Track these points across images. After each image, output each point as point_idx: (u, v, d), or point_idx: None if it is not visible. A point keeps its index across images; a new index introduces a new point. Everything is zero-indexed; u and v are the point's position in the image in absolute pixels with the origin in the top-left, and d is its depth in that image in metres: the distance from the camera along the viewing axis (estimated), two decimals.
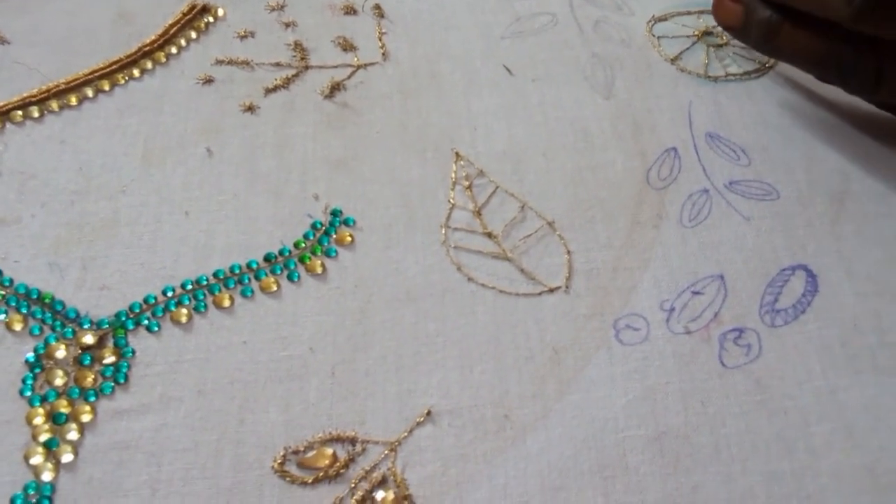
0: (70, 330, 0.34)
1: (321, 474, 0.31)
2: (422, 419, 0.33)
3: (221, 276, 0.36)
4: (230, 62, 0.45)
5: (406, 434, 0.32)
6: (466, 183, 0.40)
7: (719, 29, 0.47)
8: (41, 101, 0.43)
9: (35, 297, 0.35)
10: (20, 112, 0.42)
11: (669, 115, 0.43)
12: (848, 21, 0.36)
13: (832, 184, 0.40)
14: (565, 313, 0.36)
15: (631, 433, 0.33)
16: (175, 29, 0.47)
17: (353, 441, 0.32)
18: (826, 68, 0.40)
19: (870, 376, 0.34)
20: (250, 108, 0.43)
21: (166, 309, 0.35)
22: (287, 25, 0.48)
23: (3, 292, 0.35)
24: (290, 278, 0.37)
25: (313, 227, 0.38)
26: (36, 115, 0.42)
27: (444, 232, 0.38)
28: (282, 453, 0.32)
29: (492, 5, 0.49)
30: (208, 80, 0.44)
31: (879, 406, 0.34)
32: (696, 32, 0.47)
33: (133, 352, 0.34)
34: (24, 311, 0.35)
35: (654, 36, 0.47)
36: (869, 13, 0.35)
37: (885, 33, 0.36)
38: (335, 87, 0.44)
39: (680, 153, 0.41)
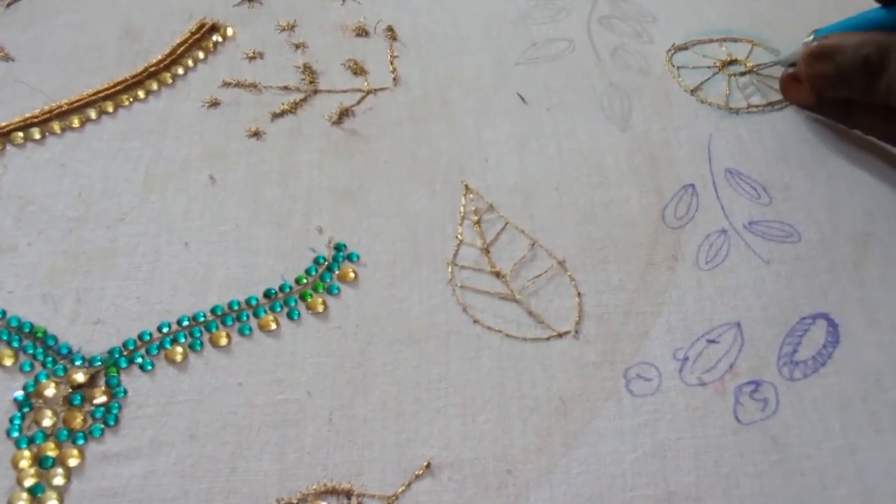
0: (61, 367, 0.33)
1: None
2: (421, 472, 0.31)
3: (219, 313, 0.35)
4: (237, 84, 0.44)
5: (404, 488, 0.31)
6: (475, 218, 0.39)
7: (742, 57, 0.46)
8: (43, 122, 0.42)
9: (27, 330, 0.34)
10: (21, 133, 0.41)
11: (688, 149, 0.42)
12: None
13: (856, 225, 0.39)
14: (574, 360, 0.34)
15: (639, 493, 0.31)
16: (183, 48, 0.46)
17: (348, 494, 0.31)
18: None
19: (892, 436, 0.33)
20: (256, 134, 0.42)
21: (161, 346, 0.34)
22: (297, 47, 0.47)
23: None
24: (289, 316, 0.35)
25: (316, 261, 0.37)
26: (37, 136, 0.41)
27: (450, 270, 0.37)
28: None
29: (507, 29, 0.48)
30: (214, 103, 0.43)
31: None
32: (718, 63, 0.46)
33: (125, 392, 0.33)
34: (15, 344, 0.34)
35: (673, 66, 0.46)
36: None
37: None
38: (344, 113, 0.43)
39: (698, 190, 0.40)
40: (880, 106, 0.39)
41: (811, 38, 0.41)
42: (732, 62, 0.46)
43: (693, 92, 0.44)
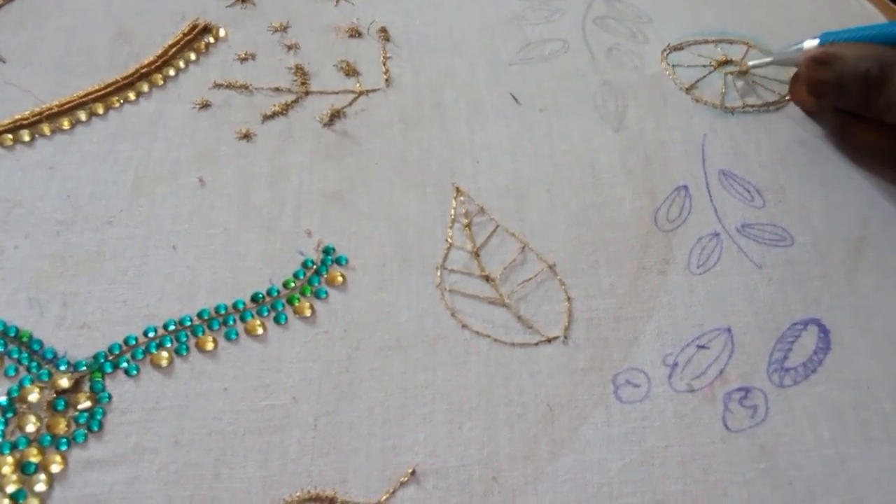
0: (46, 372, 0.33)
1: None
2: (406, 479, 0.31)
3: (206, 317, 0.35)
4: (229, 86, 0.44)
5: (388, 495, 0.31)
6: (466, 221, 0.38)
7: (738, 57, 0.45)
8: (33, 124, 0.42)
9: (13, 334, 0.34)
10: (10, 135, 0.41)
11: (682, 149, 0.41)
12: None
13: (850, 229, 0.38)
14: (562, 366, 0.34)
15: (626, 501, 0.31)
16: (174, 50, 0.45)
17: (332, 501, 0.31)
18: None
19: (882, 446, 0.32)
20: (246, 136, 0.42)
21: (147, 351, 0.34)
22: (289, 48, 0.46)
23: None
24: (276, 321, 0.35)
25: (304, 265, 0.37)
26: (27, 138, 0.41)
27: (439, 274, 0.37)
28: None
29: (501, 30, 0.47)
30: (205, 105, 0.43)
31: (892, 479, 0.31)
32: (713, 62, 0.45)
33: (109, 397, 0.33)
34: (0, 349, 0.34)
35: (668, 64, 0.45)
36: None
37: None
38: (335, 115, 0.43)
39: (691, 192, 0.40)
40: (878, 122, 0.38)
41: (817, 41, 0.41)
42: (728, 62, 0.46)
43: (688, 90, 0.44)
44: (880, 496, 0.31)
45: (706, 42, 0.47)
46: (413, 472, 0.31)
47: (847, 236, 0.38)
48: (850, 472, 0.32)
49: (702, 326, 0.35)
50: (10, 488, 0.30)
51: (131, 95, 0.43)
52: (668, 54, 0.46)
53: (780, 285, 0.37)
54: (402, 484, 0.31)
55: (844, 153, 0.41)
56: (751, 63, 0.45)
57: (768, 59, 0.44)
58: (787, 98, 0.44)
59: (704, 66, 0.45)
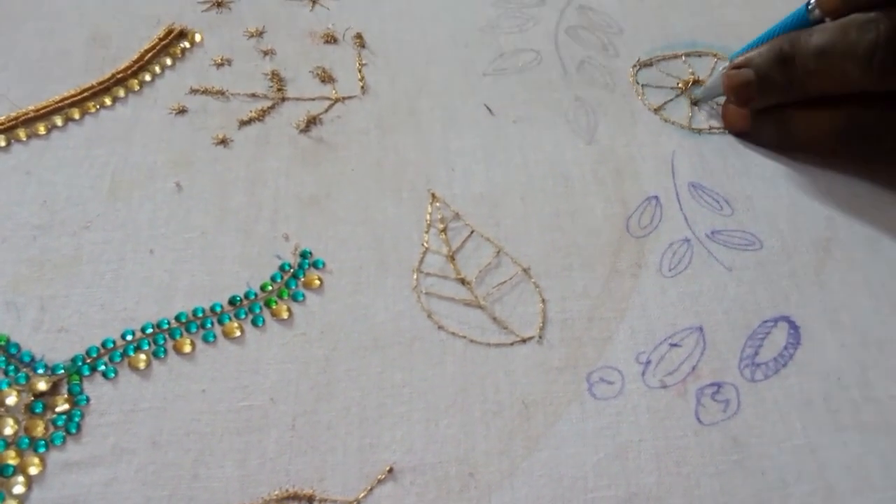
0: (24, 375, 0.33)
1: None
2: (383, 476, 0.31)
3: (183, 320, 0.35)
4: (205, 91, 0.44)
5: (366, 493, 0.31)
6: (441, 226, 0.39)
7: (704, 76, 0.47)
8: (8, 129, 0.42)
9: None
10: None
11: (652, 164, 0.42)
12: (875, 83, 0.36)
13: (817, 230, 0.39)
14: (537, 365, 0.35)
15: (601, 494, 0.31)
16: (150, 55, 0.46)
17: (310, 499, 0.31)
18: (849, 141, 0.40)
19: (853, 434, 0.33)
20: (223, 141, 0.42)
21: (124, 354, 0.34)
22: (265, 53, 0.47)
23: None
24: (254, 323, 0.35)
25: (281, 268, 0.37)
26: (2, 144, 0.41)
27: (415, 277, 0.37)
28: None
29: (475, 39, 0.48)
30: (181, 111, 0.43)
31: (862, 466, 0.32)
32: (681, 83, 0.46)
33: (87, 399, 0.33)
34: None
35: (638, 83, 0.46)
36: (892, 68, 0.36)
37: None
38: (311, 121, 0.43)
39: (662, 201, 0.40)
40: (806, 100, 0.40)
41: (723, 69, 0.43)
42: (696, 82, 0.46)
43: (657, 111, 0.45)
44: (850, 482, 0.32)
45: (675, 57, 0.48)
46: (391, 470, 0.32)
47: (814, 237, 0.39)
48: (821, 460, 0.32)
49: (674, 326, 0.36)
50: None
51: (107, 101, 0.44)
52: (637, 71, 0.47)
53: (750, 286, 0.37)
54: (380, 481, 0.31)
55: (810, 160, 0.42)
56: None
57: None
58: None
59: (672, 87, 0.46)
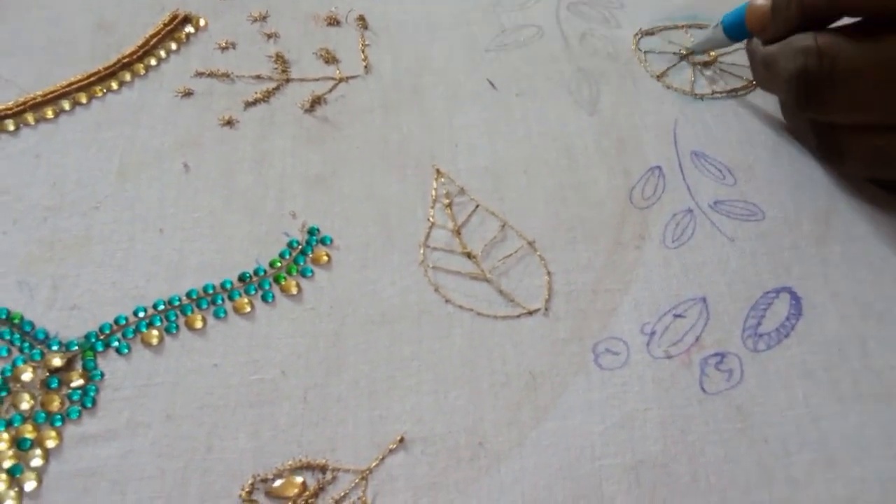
0: (38, 352, 0.34)
1: (290, 503, 0.31)
2: (394, 446, 0.32)
3: (194, 297, 0.36)
4: (210, 74, 0.45)
5: (377, 462, 0.32)
6: (447, 201, 0.39)
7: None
8: (17, 113, 0.42)
9: (4, 317, 0.35)
10: None
11: (655, 133, 0.42)
12: (794, 110, 0.38)
13: (819, 202, 0.40)
14: (544, 337, 0.35)
15: (608, 462, 0.32)
16: (155, 40, 0.46)
17: (323, 469, 0.31)
18: (805, 141, 0.42)
19: (853, 403, 0.34)
20: (229, 122, 0.42)
21: (137, 330, 0.35)
22: (269, 36, 0.47)
23: None
24: (264, 299, 0.36)
25: (289, 245, 0.38)
26: (11, 128, 0.42)
27: (422, 251, 0.38)
28: (250, 482, 0.31)
29: (477, 16, 0.48)
30: (187, 93, 0.44)
31: (862, 435, 0.33)
32: (684, 50, 0.47)
33: (102, 375, 0.33)
34: None
35: (640, 51, 0.46)
36: (804, 104, 0.37)
37: (824, 118, 0.38)
38: (316, 101, 0.44)
39: (665, 172, 0.41)
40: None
41: (717, 25, 0.43)
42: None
43: (659, 78, 0.45)
44: (851, 450, 0.32)
45: (676, 28, 0.48)
46: (401, 440, 0.32)
47: (815, 208, 0.40)
48: (822, 429, 0.33)
49: (678, 297, 0.37)
50: (7, 463, 0.31)
51: (114, 85, 0.44)
52: (639, 39, 0.47)
53: (752, 257, 0.38)
54: (391, 451, 0.32)
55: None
56: (718, 54, 0.46)
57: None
58: (753, 83, 0.45)
59: (675, 53, 0.47)
